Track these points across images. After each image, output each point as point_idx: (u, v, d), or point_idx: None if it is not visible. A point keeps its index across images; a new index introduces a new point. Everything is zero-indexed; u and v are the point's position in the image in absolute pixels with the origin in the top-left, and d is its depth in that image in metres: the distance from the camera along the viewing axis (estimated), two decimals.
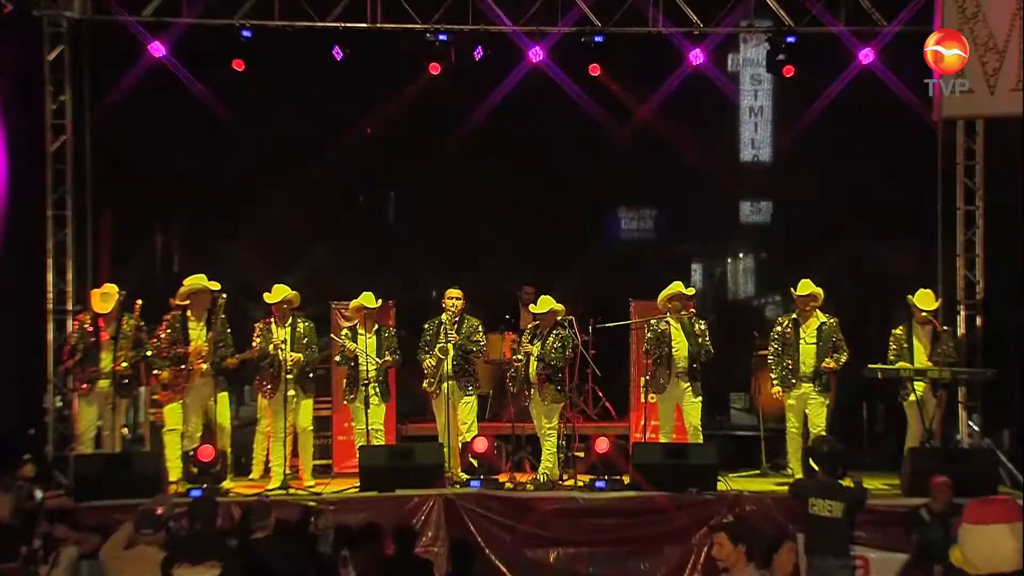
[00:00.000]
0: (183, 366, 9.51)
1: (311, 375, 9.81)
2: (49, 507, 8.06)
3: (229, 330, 9.73)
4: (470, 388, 9.80)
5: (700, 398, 9.75)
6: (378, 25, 10.94)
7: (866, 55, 10.87)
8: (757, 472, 10.13)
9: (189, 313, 9.64)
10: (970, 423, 10.57)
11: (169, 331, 9.57)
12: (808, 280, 9.69)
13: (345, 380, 9.86)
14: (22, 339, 10.52)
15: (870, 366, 9.46)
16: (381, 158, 12.59)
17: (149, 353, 9.61)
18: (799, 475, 9.04)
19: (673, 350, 9.66)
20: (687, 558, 8.64)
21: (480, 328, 9.84)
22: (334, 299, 10.50)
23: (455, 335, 9.60)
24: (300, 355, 9.53)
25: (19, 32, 10.49)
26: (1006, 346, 10.38)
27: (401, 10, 10.91)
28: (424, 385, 9.81)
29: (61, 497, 8.90)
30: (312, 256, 11.65)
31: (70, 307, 10.63)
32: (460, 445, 9.67)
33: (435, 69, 11.08)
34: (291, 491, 9.21)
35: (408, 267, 12.31)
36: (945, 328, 9.64)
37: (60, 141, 10.75)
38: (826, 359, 9.48)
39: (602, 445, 9.39)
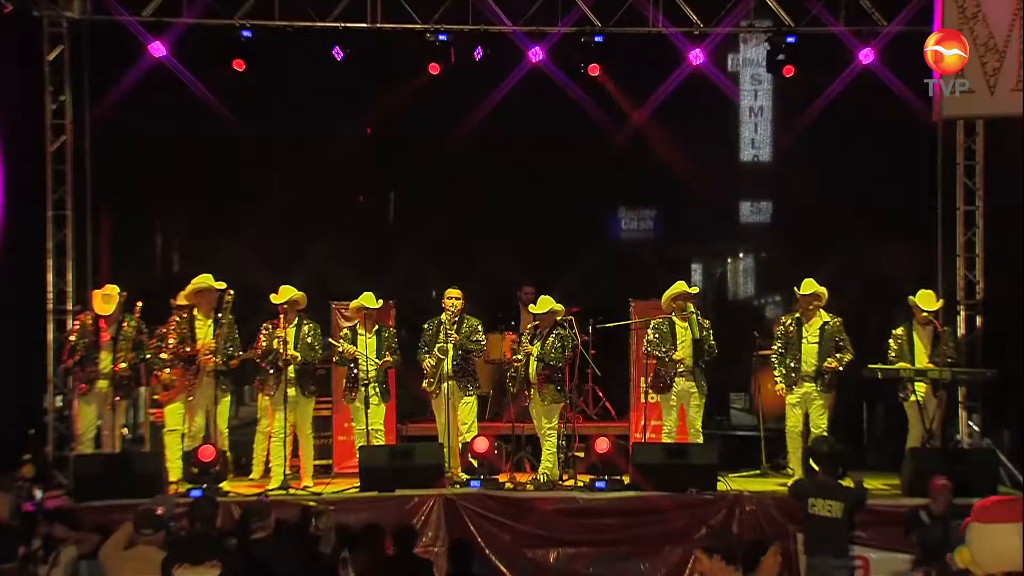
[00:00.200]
0: (191, 366, 9.52)
1: (315, 373, 9.80)
2: (49, 507, 8.06)
3: (236, 331, 9.74)
4: (470, 388, 9.81)
5: (704, 398, 9.76)
6: (378, 25, 10.95)
7: (866, 55, 10.86)
8: (757, 472, 10.14)
9: (196, 312, 9.65)
10: (970, 423, 10.57)
11: (178, 331, 9.58)
12: (812, 279, 9.68)
13: (345, 380, 9.87)
14: (22, 339, 10.52)
15: (870, 366, 9.46)
16: (381, 158, 12.58)
17: (148, 355, 9.62)
18: (799, 475, 9.04)
19: (678, 350, 9.66)
20: (687, 558, 8.63)
21: (480, 328, 9.84)
22: (334, 299, 10.50)
23: (455, 335, 9.60)
24: (297, 354, 9.53)
25: (19, 32, 10.49)
26: (1006, 346, 10.38)
27: (401, 10, 10.92)
28: (424, 385, 9.81)
29: (61, 497, 8.91)
30: (312, 256, 11.64)
31: (70, 307, 10.65)
32: (460, 445, 9.67)
33: (435, 69, 11.08)
34: (291, 491, 9.21)
35: (408, 267, 12.30)
36: (945, 328, 9.64)
37: (60, 141, 10.75)
38: (828, 358, 9.48)
39: (602, 445, 9.40)
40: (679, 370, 9.65)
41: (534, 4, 10.98)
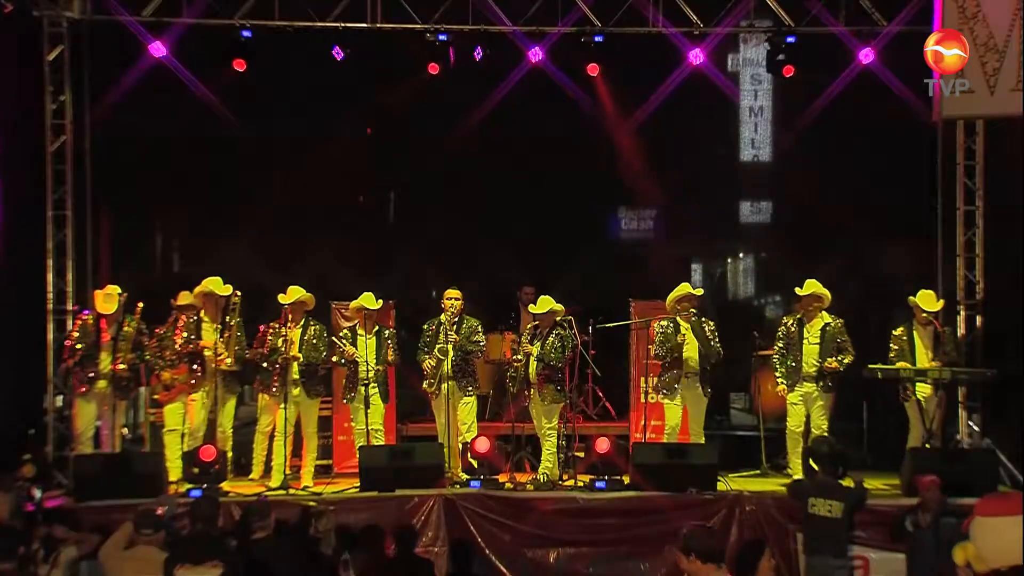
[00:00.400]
0: (195, 365, 9.53)
1: (320, 374, 9.81)
2: (49, 507, 8.06)
3: (243, 333, 9.75)
4: (470, 388, 9.81)
5: (706, 399, 9.76)
6: (378, 25, 10.95)
7: (866, 55, 10.86)
8: (757, 472, 10.14)
9: (203, 314, 9.66)
10: (970, 423, 10.57)
11: (185, 329, 9.59)
12: (814, 280, 9.68)
13: (345, 380, 9.88)
14: (22, 339, 10.52)
15: (870, 366, 9.46)
16: (381, 158, 12.58)
17: (148, 356, 9.63)
18: (799, 474, 9.04)
19: (684, 352, 9.66)
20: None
21: (479, 328, 9.84)
22: (334, 299, 10.50)
23: (455, 335, 9.60)
24: (300, 355, 9.53)
25: (19, 32, 10.49)
26: (1006, 346, 10.38)
27: (401, 10, 10.92)
28: (424, 385, 9.82)
29: (60, 497, 8.92)
30: (312, 256, 11.64)
31: (70, 307, 10.64)
32: (460, 445, 9.68)
33: (435, 69, 11.08)
34: (291, 491, 9.22)
35: (408, 267, 12.30)
36: (946, 328, 9.64)
37: (60, 141, 10.76)
38: (828, 359, 9.48)
39: (603, 445, 9.40)
40: (685, 371, 9.65)
41: (534, 4, 10.98)
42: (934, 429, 9.54)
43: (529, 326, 10.05)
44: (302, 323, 9.70)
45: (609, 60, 11.19)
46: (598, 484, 9.16)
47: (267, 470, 9.83)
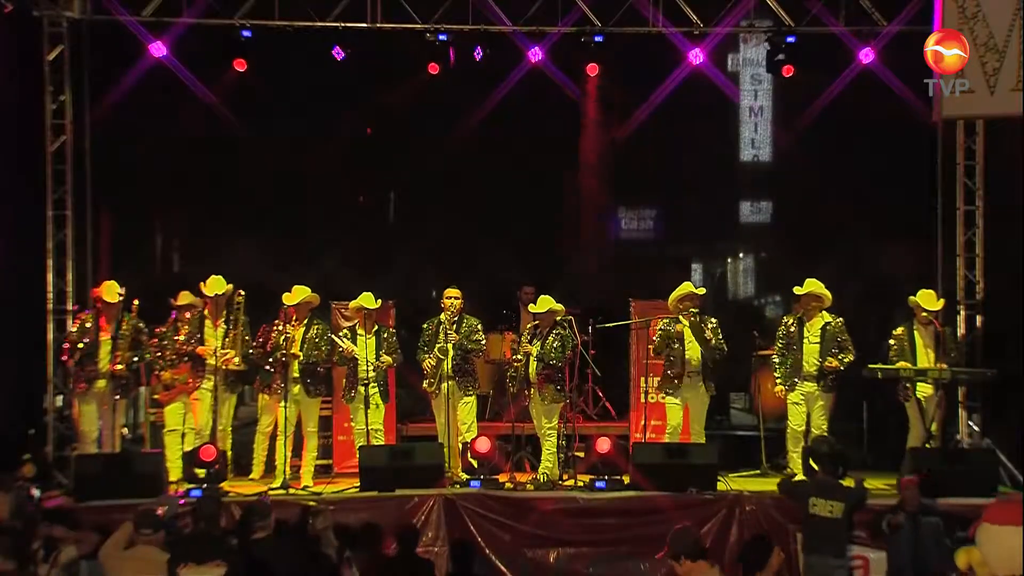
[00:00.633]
0: (200, 365, 9.53)
1: (320, 373, 9.81)
2: (48, 507, 8.06)
3: (248, 331, 9.76)
4: (470, 388, 9.81)
5: (708, 398, 9.77)
6: (378, 25, 10.94)
7: (866, 55, 10.86)
8: (757, 472, 10.13)
9: (206, 312, 9.66)
10: (970, 423, 10.57)
11: (189, 327, 9.59)
12: (815, 280, 9.67)
13: (345, 380, 9.88)
14: (22, 339, 10.52)
15: (870, 366, 9.46)
16: (381, 158, 12.58)
17: (148, 356, 9.64)
18: (800, 474, 9.04)
19: (686, 351, 9.67)
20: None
21: (479, 328, 9.84)
22: (334, 299, 10.50)
23: (454, 335, 9.60)
24: (299, 353, 9.53)
25: (19, 32, 10.49)
26: (1006, 346, 10.38)
27: (401, 10, 10.92)
28: (424, 385, 9.82)
29: (60, 496, 8.92)
30: (312, 256, 11.65)
31: (70, 307, 10.64)
32: (460, 445, 9.68)
33: (435, 69, 11.08)
34: (291, 491, 9.22)
35: (408, 267, 12.30)
36: (946, 328, 9.64)
37: (60, 141, 10.75)
38: (829, 358, 9.48)
39: (604, 445, 9.39)
40: (687, 371, 9.65)
41: (534, 4, 10.98)
42: (934, 429, 9.54)
43: (529, 326, 10.05)
44: (305, 322, 9.70)
45: (609, 60, 11.19)
46: (598, 484, 9.16)
47: (267, 470, 9.83)
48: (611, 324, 10.45)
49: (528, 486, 9.42)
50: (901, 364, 9.48)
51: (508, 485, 9.38)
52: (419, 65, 11.13)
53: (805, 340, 9.64)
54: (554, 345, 9.60)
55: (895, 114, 10.64)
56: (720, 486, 9.11)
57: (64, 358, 9.76)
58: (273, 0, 10.78)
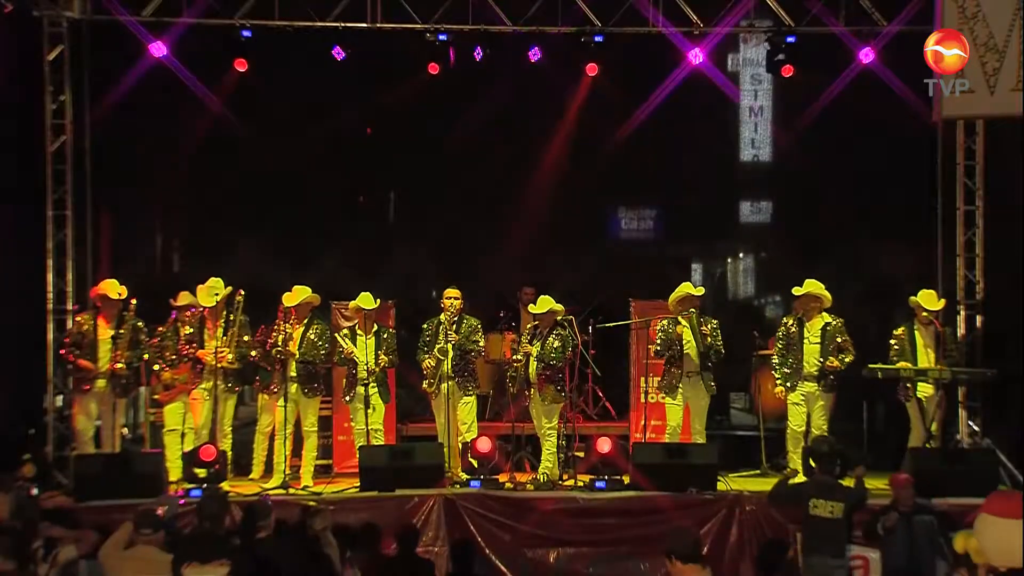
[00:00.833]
0: (199, 364, 9.53)
1: (318, 372, 9.81)
2: (48, 507, 8.06)
3: (248, 331, 9.75)
4: (469, 388, 9.81)
5: (709, 398, 9.77)
6: (378, 25, 10.94)
7: (866, 55, 10.86)
8: (757, 472, 10.13)
9: (205, 313, 9.67)
10: (970, 423, 10.57)
11: (188, 331, 9.60)
12: (814, 280, 9.67)
13: (345, 380, 9.88)
14: (22, 339, 10.52)
15: (870, 366, 9.46)
16: (381, 158, 12.58)
17: (147, 356, 9.64)
18: (800, 474, 9.04)
19: (684, 351, 9.67)
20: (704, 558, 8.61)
21: (479, 328, 9.84)
22: (334, 299, 10.50)
23: (454, 335, 9.60)
24: (295, 351, 9.53)
25: (19, 32, 10.49)
26: (1006, 346, 10.38)
27: (401, 10, 10.92)
28: (424, 386, 9.81)
29: (60, 497, 8.92)
30: (312, 256, 11.64)
31: (70, 307, 10.64)
32: (460, 445, 9.68)
33: (435, 69, 11.08)
34: (291, 491, 9.22)
35: (408, 267, 12.31)
36: (946, 328, 9.64)
37: (60, 141, 10.75)
38: (829, 358, 9.48)
39: (605, 445, 9.38)
40: (686, 371, 9.66)
41: (534, 4, 10.98)
42: (934, 429, 9.54)
43: (529, 326, 10.05)
44: (305, 321, 9.70)
45: (609, 60, 11.18)
46: (598, 484, 9.16)
47: (267, 470, 9.83)
48: (611, 324, 10.46)
49: (528, 486, 9.42)
50: (901, 364, 9.49)
51: (508, 485, 9.39)
52: (419, 65, 11.13)
53: (805, 340, 9.65)
54: (554, 345, 9.60)
55: (895, 114, 10.64)
56: (720, 486, 9.11)
57: (63, 351, 9.74)
58: (273, 0, 10.78)
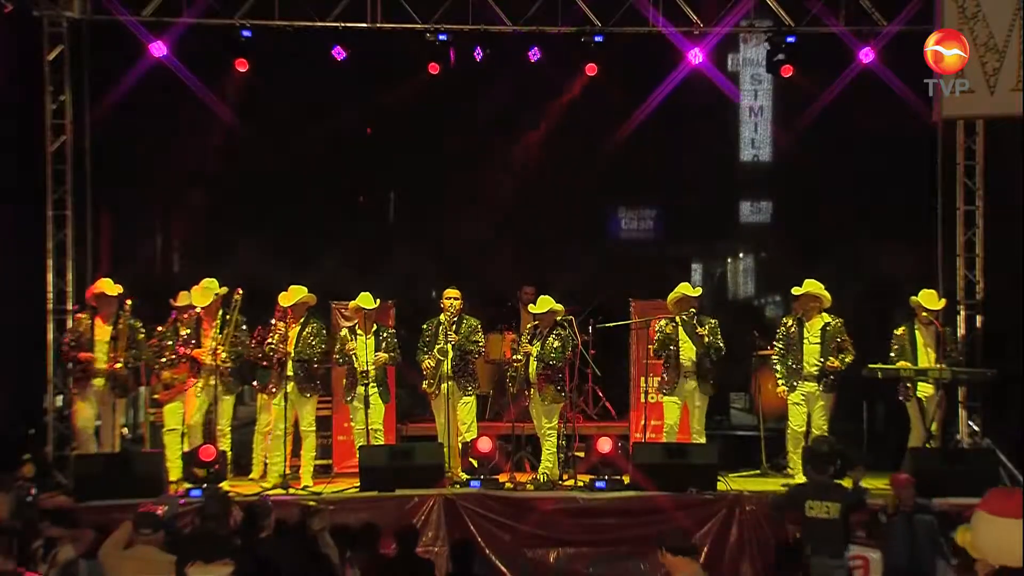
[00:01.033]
0: (195, 365, 9.53)
1: (314, 372, 9.80)
2: (48, 506, 8.06)
3: (245, 327, 9.75)
4: (469, 388, 9.81)
5: (707, 398, 9.76)
6: (378, 25, 10.95)
7: (866, 55, 10.86)
8: (757, 472, 10.14)
9: (202, 314, 9.67)
10: (970, 423, 10.57)
11: (186, 331, 9.60)
12: (814, 280, 9.67)
13: (345, 380, 9.87)
14: (22, 339, 10.52)
15: (870, 366, 9.47)
16: (381, 158, 12.58)
17: (146, 356, 9.64)
18: (800, 474, 9.04)
19: (680, 351, 9.67)
20: (698, 553, 8.60)
21: (479, 328, 9.84)
22: (334, 299, 10.50)
23: (454, 335, 9.60)
24: (290, 350, 9.52)
25: (19, 32, 10.50)
26: (1006, 346, 10.38)
27: (401, 10, 10.92)
28: (424, 386, 9.82)
29: (60, 497, 8.92)
30: (312, 256, 11.64)
31: (70, 307, 10.65)
32: (460, 445, 9.68)
33: (435, 69, 11.08)
34: (291, 491, 9.22)
35: (408, 267, 12.30)
36: (946, 328, 9.64)
37: (60, 141, 10.76)
38: (829, 358, 9.48)
39: (606, 446, 9.38)
40: (684, 370, 9.65)
41: (534, 4, 10.98)
42: (934, 429, 9.54)
43: (529, 326, 10.05)
44: (301, 321, 9.70)
45: (609, 60, 11.18)
46: (598, 484, 9.16)
47: (267, 469, 9.83)
48: (611, 324, 10.46)
49: (528, 486, 9.42)
50: (901, 364, 9.49)
51: (508, 485, 9.39)
52: (419, 65, 11.13)
53: (805, 340, 9.65)
54: (554, 345, 9.60)
55: (895, 114, 10.63)
56: (720, 486, 9.11)
57: (64, 350, 9.75)
58: (273, 0, 10.78)
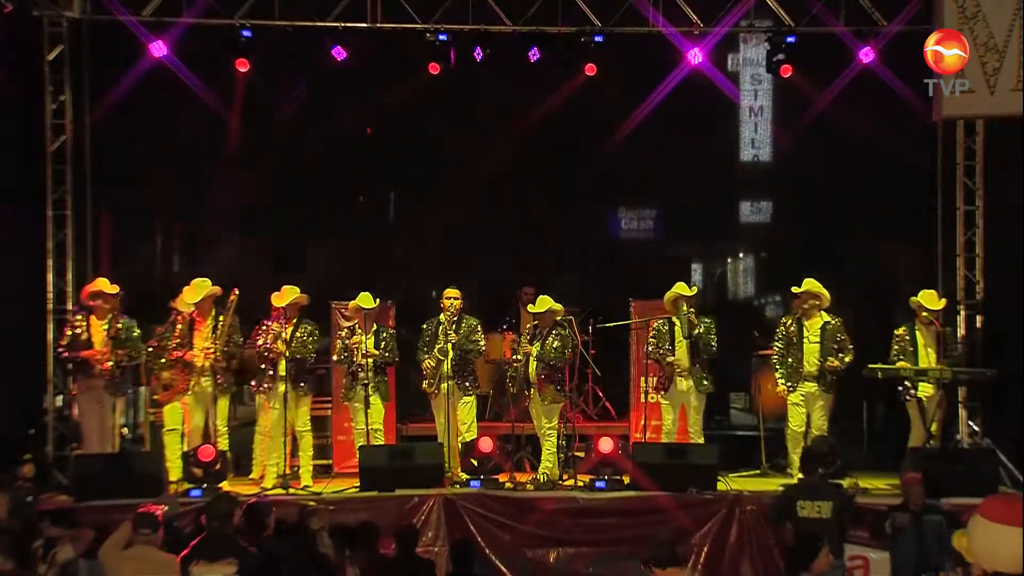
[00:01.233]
0: (188, 367, 9.53)
1: (317, 373, 9.79)
2: (48, 506, 8.06)
3: (238, 331, 9.75)
4: (469, 388, 9.81)
5: (704, 398, 9.76)
6: (378, 25, 10.95)
7: (866, 55, 10.86)
8: (757, 472, 10.13)
9: (196, 315, 9.67)
10: (970, 423, 10.57)
11: (180, 333, 9.60)
12: (812, 279, 9.67)
13: (344, 379, 9.87)
14: (22, 339, 10.52)
15: (870, 366, 9.46)
16: (381, 158, 12.59)
17: (142, 355, 9.64)
18: (799, 474, 9.04)
19: (676, 350, 9.67)
20: (687, 558, 8.63)
21: (479, 328, 9.84)
22: (334, 299, 10.50)
23: (454, 335, 9.60)
24: (284, 350, 9.52)
25: (19, 32, 10.50)
26: (1006, 346, 10.38)
27: (401, 10, 10.92)
28: (424, 386, 9.81)
29: (60, 497, 8.92)
30: (312, 256, 11.65)
31: (70, 307, 10.64)
32: (460, 445, 9.67)
33: (435, 69, 11.08)
34: (291, 491, 9.22)
35: (408, 267, 12.29)
36: (946, 328, 9.64)
37: (60, 141, 10.76)
38: (829, 358, 9.48)
39: (606, 446, 9.37)
40: (677, 371, 9.66)
41: (534, 4, 10.98)
42: (934, 429, 9.53)
43: (529, 326, 10.05)
44: (295, 321, 9.69)
45: (609, 60, 11.18)
46: (598, 484, 9.16)
47: (267, 470, 9.82)
48: (611, 324, 10.46)
49: (528, 486, 9.41)
50: (901, 364, 9.48)
51: (508, 485, 9.38)
52: (419, 65, 11.13)
53: (805, 340, 9.65)
54: (554, 345, 9.60)
55: (895, 114, 10.64)
56: (720, 486, 9.11)
57: (63, 353, 9.76)
58: (273, 0, 10.78)
